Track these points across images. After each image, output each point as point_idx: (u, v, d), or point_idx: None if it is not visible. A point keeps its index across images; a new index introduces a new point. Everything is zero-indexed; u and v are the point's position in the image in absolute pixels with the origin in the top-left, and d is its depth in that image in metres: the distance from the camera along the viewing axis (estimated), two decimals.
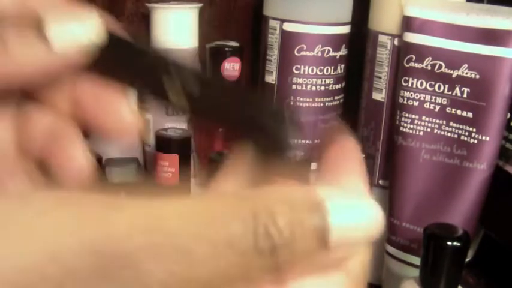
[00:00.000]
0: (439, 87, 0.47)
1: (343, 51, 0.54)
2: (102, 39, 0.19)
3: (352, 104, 0.55)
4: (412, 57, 0.48)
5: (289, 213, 0.16)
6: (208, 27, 0.60)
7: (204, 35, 0.59)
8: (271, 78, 0.55)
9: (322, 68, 0.53)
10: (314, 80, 0.53)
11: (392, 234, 0.50)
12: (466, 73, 0.46)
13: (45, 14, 0.19)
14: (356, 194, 0.17)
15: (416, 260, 0.46)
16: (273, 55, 0.54)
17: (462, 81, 0.46)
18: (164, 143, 0.49)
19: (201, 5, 0.57)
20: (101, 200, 0.15)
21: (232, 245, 0.15)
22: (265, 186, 0.17)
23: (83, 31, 0.19)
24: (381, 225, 0.17)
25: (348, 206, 0.16)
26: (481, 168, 0.46)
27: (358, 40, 0.55)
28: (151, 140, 0.52)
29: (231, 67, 0.57)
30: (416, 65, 0.48)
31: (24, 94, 0.22)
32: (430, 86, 0.47)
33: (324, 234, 0.16)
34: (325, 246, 0.16)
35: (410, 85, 0.48)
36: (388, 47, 0.51)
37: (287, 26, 0.53)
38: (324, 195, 0.16)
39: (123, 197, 0.15)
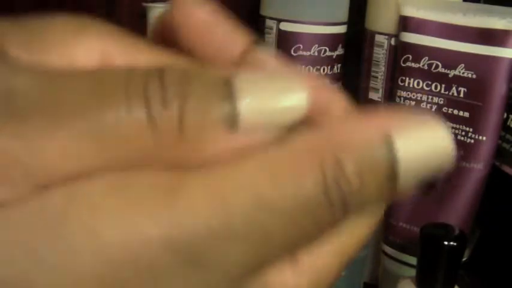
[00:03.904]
0: (436, 87, 0.47)
1: (339, 51, 0.54)
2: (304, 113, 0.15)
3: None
4: (408, 57, 0.48)
5: (356, 157, 0.14)
6: None
7: None
8: None
9: (319, 67, 0.53)
10: None
11: (389, 234, 0.50)
12: (463, 73, 0.46)
13: (241, 86, 0.15)
14: (420, 120, 0.15)
15: (413, 260, 0.46)
16: None
17: (459, 81, 0.46)
18: None
19: None
20: (158, 184, 0.14)
21: (306, 211, 0.14)
22: (321, 126, 0.15)
23: (282, 118, 0.15)
24: (451, 154, 0.15)
25: (412, 131, 0.15)
26: (477, 168, 0.46)
27: (355, 40, 0.55)
28: None
29: None
30: (413, 64, 0.47)
31: None
32: (427, 85, 0.47)
33: (392, 171, 0.15)
34: (394, 179, 0.15)
35: (406, 85, 0.48)
36: (385, 47, 0.51)
37: (284, 26, 0.53)
38: (389, 125, 0.15)
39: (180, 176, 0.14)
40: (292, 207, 0.14)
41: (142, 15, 0.56)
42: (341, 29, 0.54)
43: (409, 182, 0.15)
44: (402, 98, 0.48)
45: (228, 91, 0.14)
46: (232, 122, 0.14)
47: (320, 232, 0.15)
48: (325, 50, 0.53)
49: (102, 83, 0.14)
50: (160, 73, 0.14)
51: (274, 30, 0.53)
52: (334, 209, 0.14)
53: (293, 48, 0.53)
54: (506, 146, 0.48)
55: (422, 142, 0.15)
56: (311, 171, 0.14)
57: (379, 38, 0.51)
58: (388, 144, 0.15)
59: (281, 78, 0.15)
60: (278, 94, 0.15)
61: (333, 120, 0.16)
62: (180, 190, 0.14)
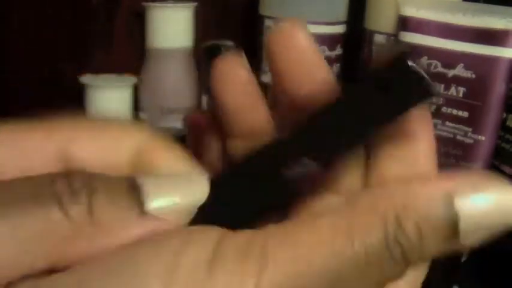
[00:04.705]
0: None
1: (338, 51, 0.54)
2: (205, 200, 0.17)
3: None
4: None
5: (414, 215, 0.16)
6: (203, 26, 0.60)
7: (199, 34, 0.58)
8: (266, 78, 0.55)
9: None
10: None
11: None
12: (462, 72, 0.46)
13: (143, 180, 0.16)
14: (479, 178, 0.16)
15: None
16: None
17: (458, 80, 0.46)
18: None
19: (196, 3, 0.57)
20: (248, 251, 0.15)
21: (375, 264, 0.16)
22: (382, 186, 0.17)
23: (185, 198, 0.17)
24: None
25: (474, 190, 0.16)
26: (476, 167, 0.46)
27: (354, 39, 0.55)
28: None
29: None
30: None
31: None
32: None
33: (453, 229, 0.16)
34: (455, 236, 0.16)
35: None
36: None
37: None
38: (450, 185, 0.16)
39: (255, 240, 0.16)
40: (363, 261, 0.16)
41: (142, 15, 0.56)
42: (340, 29, 0.54)
43: (472, 239, 0.16)
44: None
45: (131, 182, 0.16)
46: (140, 207, 0.16)
47: (387, 280, 0.16)
48: (324, 50, 0.53)
49: (15, 193, 0.16)
50: (66, 173, 0.16)
51: None
52: (397, 262, 0.16)
53: None
54: (505, 145, 0.48)
55: (484, 201, 0.16)
56: (376, 229, 0.16)
57: (378, 38, 0.51)
58: (448, 203, 0.16)
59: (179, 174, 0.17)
60: (179, 182, 0.17)
61: (397, 182, 0.17)
62: (268, 256, 0.15)
